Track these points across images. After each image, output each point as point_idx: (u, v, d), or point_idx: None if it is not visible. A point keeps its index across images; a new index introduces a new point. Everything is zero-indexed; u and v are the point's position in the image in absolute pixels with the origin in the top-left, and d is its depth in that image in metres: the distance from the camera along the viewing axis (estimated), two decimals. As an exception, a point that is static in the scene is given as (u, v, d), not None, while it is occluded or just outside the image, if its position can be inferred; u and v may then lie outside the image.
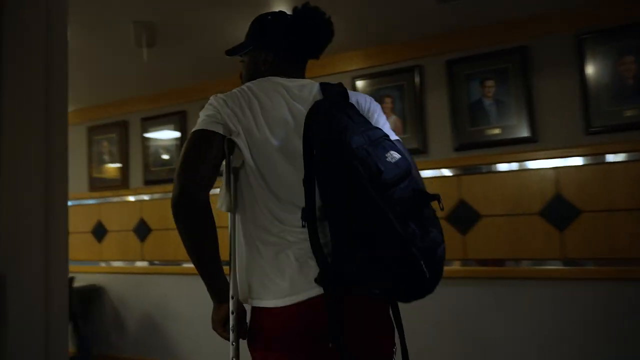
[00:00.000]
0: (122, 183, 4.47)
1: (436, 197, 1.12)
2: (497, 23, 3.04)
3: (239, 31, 2.55)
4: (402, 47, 3.35)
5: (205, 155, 1.16)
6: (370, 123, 1.24)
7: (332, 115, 1.14)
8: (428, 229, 1.08)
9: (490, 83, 3.06)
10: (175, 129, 4.19)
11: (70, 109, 4.75)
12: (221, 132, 1.19)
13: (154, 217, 4.27)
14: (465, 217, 3.08)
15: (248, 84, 1.30)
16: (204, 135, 1.19)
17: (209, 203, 1.17)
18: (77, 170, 4.75)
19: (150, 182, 4.32)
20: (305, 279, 1.14)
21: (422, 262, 0.99)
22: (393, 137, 1.30)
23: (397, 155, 1.13)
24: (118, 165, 4.50)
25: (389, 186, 1.05)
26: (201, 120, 1.21)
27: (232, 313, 1.22)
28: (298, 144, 1.20)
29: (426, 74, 3.30)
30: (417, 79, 3.29)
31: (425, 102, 3.29)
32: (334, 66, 3.54)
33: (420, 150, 3.24)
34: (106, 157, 4.61)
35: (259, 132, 1.21)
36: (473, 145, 3.09)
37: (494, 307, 2.98)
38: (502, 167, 3.02)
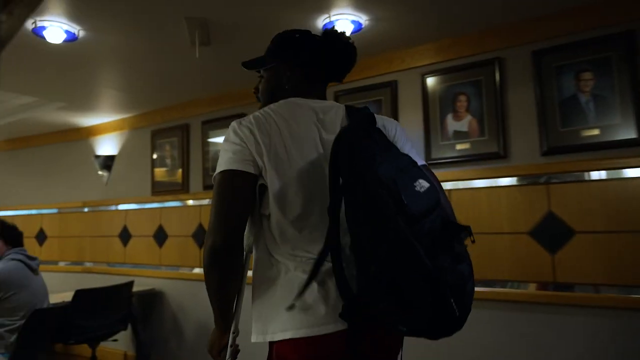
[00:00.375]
0: (182, 187, 4.40)
1: (467, 229, 1.07)
2: (595, 3, 2.58)
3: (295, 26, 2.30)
4: (478, 37, 2.96)
5: (241, 200, 1.16)
6: (397, 149, 1.19)
7: (359, 143, 1.08)
8: (458, 262, 1.03)
9: (587, 76, 2.60)
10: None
11: (136, 112, 4.77)
12: (252, 171, 1.17)
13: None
14: (554, 233, 2.63)
15: (274, 107, 1.26)
16: (236, 176, 1.16)
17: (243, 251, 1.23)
18: (142, 174, 4.75)
19: (209, 187, 4.21)
20: (331, 311, 1.12)
21: (452, 301, 0.95)
22: (420, 162, 1.24)
23: (426, 184, 1.07)
24: (179, 169, 4.44)
25: (418, 218, 0.99)
26: (229, 158, 1.17)
27: (231, 346, 1.31)
28: (325, 173, 1.18)
29: (507, 68, 2.89)
30: (496, 74, 2.88)
31: (506, 99, 2.87)
32: (402, 62, 3.22)
33: (499, 155, 2.83)
34: (168, 161, 4.57)
35: (290, 161, 1.19)
36: (565, 148, 2.64)
37: (581, 340, 2.50)
38: (601, 174, 2.55)
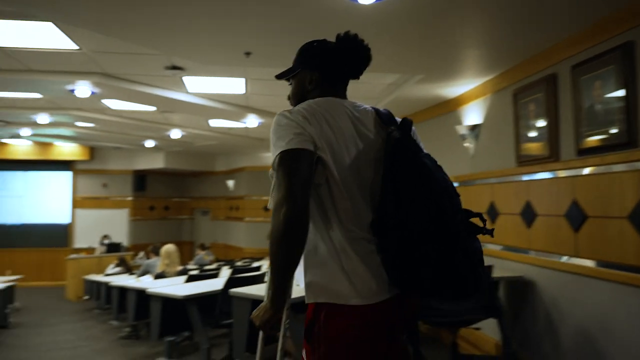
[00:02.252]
0: (550, 155, 3.51)
1: (479, 215, 1.39)
2: None
3: None
4: None
5: (307, 176, 1.29)
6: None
7: (417, 151, 1.38)
8: (474, 240, 1.36)
9: None
10: (617, 74, 2.86)
11: (496, 72, 4.15)
12: (312, 149, 1.31)
13: (590, 199, 3.11)
14: None
15: (311, 102, 1.41)
16: (302, 154, 1.29)
17: None
18: (505, 142, 4.11)
19: (584, 151, 3.17)
20: (382, 281, 1.33)
21: (480, 270, 1.33)
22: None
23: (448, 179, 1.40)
24: (546, 132, 3.56)
25: (459, 210, 1.36)
26: (291, 140, 1.30)
27: (287, 322, 1.38)
28: (365, 165, 1.39)
29: None
30: None
31: None
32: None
33: None
34: (532, 123, 3.75)
35: (338, 148, 1.36)
36: None
37: None
38: None
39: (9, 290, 7.24)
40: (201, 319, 4.01)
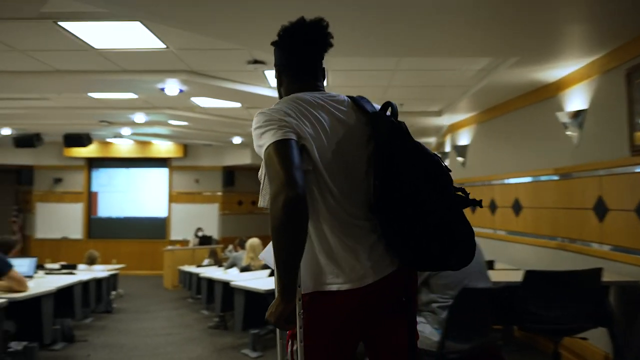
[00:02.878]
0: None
1: (461, 189, 1.41)
2: None
3: None
4: None
5: (300, 162, 1.31)
6: None
7: (408, 136, 1.43)
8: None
9: None
10: None
11: (605, 50, 3.68)
12: (296, 139, 1.35)
13: None
14: None
15: (286, 98, 1.48)
16: (289, 144, 1.32)
17: None
18: (616, 129, 3.63)
19: None
20: (374, 263, 1.39)
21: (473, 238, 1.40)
22: None
23: None
24: (668, 115, 3.08)
25: (451, 186, 1.41)
26: (275, 132, 1.33)
27: (300, 314, 1.36)
28: (349, 150, 1.44)
29: None
30: None
31: None
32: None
33: None
34: (650, 107, 3.26)
35: (319, 136, 1.40)
36: None
37: None
38: None
39: (113, 278, 7.80)
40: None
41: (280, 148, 1.30)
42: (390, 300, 1.44)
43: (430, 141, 9.18)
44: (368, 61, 4.52)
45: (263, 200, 1.40)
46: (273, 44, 1.59)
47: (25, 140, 9.10)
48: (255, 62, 4.48)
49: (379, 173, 1.40)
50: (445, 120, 6.98)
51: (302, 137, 1.36)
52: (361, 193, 1.43)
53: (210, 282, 6.44)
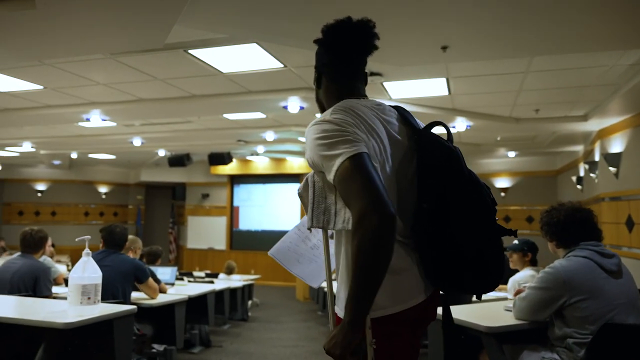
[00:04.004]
0: None
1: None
2: None
3: None
4: None
5: (381, 179, 1.22)
6: None
7: (464, 163, 1.41)
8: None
9: None
10: None
11: None
12: (369, 152, 1.28)
13: None
14: None
15: (344, 106, 1.36)
16: (369, 159, 1.24)
17: None
18: None
19: None
20: (423, 282, 1.36)
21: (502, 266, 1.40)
22: None
23: None
24: None
25: (494, 218, 1.41)
26: (352, 145, 1.24)
27: (372, 343, 1.26)
28: (398, 167, 1.39)
29: None
30: None
31: None
32: None
33: None
34: None
35: (380, 152, 1.33)
36: None
37: None
38: None
39: (249, 288, 8.26)
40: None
41: (362, 163, 1.21)
42: (427, 322, 1.45)
43: (576, 150, 8.19)
44: (495, 64, 4.16)
45: (319, 221, 1.33)
46: (316, 41, 1.51)
47: (177, 160, 10.18)
48: (372, 74, 4.41)
49: (429, 197, 1.35)
50: (593, 125, 6.14)
51: (369, 155, 1.26)
52: (406, 211, 1.37)
53: (335, 296, 6.44)
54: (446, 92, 5.07)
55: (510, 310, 2.75)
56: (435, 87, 4.89)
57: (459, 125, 6.25)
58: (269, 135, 7.90)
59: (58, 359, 2.61)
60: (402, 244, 1.35)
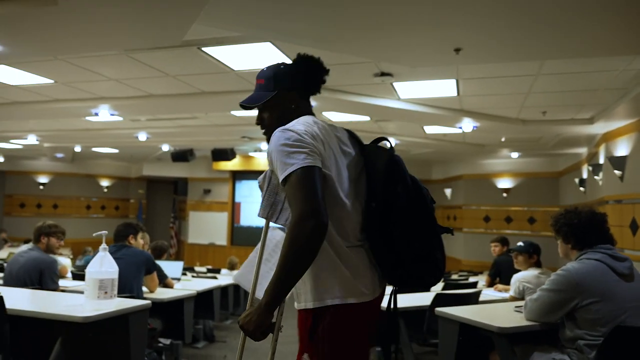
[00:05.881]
0: None
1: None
2: None
3: None
4: None
5: (321, 192, 1.41)
6: None
7: (402, 163, 1.66)
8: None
9: None
10: None
11: None
12: (321, 167, 1.46)
13: None
14: None
15: (305, 121, 1.55)
16: (318, 172, 1.43)
17: None
18: None
19: None
20: (377, 280, 1.56)
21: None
22: None
23: None
24: None
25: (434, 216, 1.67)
26: (306, 157, 1.43)
27: (280, 328, 1.54)
28: (352, 177, 1.59)
29: None
30: None
31: None
32: None
33: None
34: None
35: (335, 165, 1.54)
36: None
37: None
38: None
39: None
40: (407, 334, 3.82)
41: (310, 175, 1.40)
42: (376, 316, 1.59)
43: (579, 152, 8.23)
44: (505, 67, 4.19)
45: (264, 212, 1.55)
46: (297, 63, 1.70)
47: (181, 155, 10.19)
48: (382, 74, 4.43)
49: (377, 197, 1.55)
50: (599, 128, 6.18)
51: (325, 166, 1.47)
52: (359, 213, 1.57)
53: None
54: (455, 93, 5.09)
55: (521, 311, 2.79)
56: (444, 88, 4.92)
57: (466, 126, 6.27)
58: (275, 132, 7.91)
59: (74, 353, 2.64)
60: (359, 247, 1.54)
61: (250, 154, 11.91)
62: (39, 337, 2.81)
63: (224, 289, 6.09)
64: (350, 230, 1.54)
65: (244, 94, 5.19)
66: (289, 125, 1.51)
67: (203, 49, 3.89)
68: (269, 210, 1.57)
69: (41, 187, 12.98)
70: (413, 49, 3.59)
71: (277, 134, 1.48)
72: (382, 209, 1.55)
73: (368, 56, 3.94)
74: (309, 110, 1.69)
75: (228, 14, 3.09)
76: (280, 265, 1.37)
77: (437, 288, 4.80)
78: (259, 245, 1.95)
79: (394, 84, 4.81)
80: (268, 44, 3.75)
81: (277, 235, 2.02)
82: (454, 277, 7.38)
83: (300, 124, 1.52)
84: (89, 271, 2.70)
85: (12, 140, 9.60)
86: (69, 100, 5.85)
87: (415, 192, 1.61)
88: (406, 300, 4.14)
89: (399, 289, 1.66)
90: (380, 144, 1.73)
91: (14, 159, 12.51)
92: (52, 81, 5.06)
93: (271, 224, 1.90)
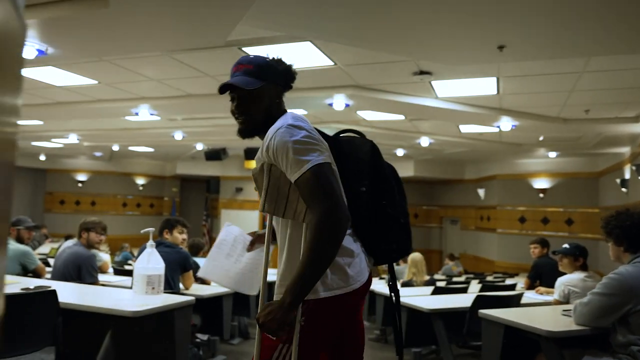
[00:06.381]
0: None
1: None
2: None
3: None
4: None
5: (336, 183, 1.49)
6: None
7: (377, 148, 1.74)
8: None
9: None
10: None
11: None
12: (331, 162, 1.52)
13: None
14: None
15: (301, 116, 1.58)
16: (330, 167, 1.48)
17: None
18: None
19: None
20: (365, 262, 1.62)
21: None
22: None
23: None
24: None
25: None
26: (320, 153, 1.46)
27: (301, 321, 1.48)
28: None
29: None
30: None
31: None
32: None
33: None
34: None
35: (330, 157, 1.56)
36: None
37: None
38: None
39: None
40: (447, 336, 3.78)
41: (327, 171, 1.44)
42: (366, 294, 1.67)
43: (621, 151, 7.97)
44: (549, 64, 4.09)
45: (270, 208, 1.55)
46: (277, 60, 1.68)
47: (214, 154, 10.34)
48: (422, 72, 4.39)
49: (366, 182, 1.65)
50: (644, 127, 5.98)
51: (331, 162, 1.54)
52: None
53: (372, 294, 6.46)
54: (494, 92, 5.00)
55: (569, 315, 2.72)
56: (484, 86, 4.83)
57: (504, 125, 6.15)
58: (309, 132, 7.93)
59: (123, 346, 2.71)
60: (349, 234, 1.57)
61: (282, 153, 11.95)
62: (87, 330, 2.89)
63: (258, 287, 6.13)
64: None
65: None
66: (291, 122, 1.49)
67: (243, 49, 3.94)
68: (273, 206, 1.57)
69: (80, 184, 13.39)
70: (456, 47, 3.54)
71: (283, 130, 1.46)
72: (370, 190, 1.64)
73: (410, 55, 3.91)
74: (285, 109, 1.67)
75: (271, 15, 3.11)
76: (306, 262, 1.37)
77: (475, 289, 4.73)
78: (226, 238, 2.00)
79: (433, 82, 4.76)
80: (308, 44, 3.76)
81: (234, 231, 2.01)
82: (489, 278, 7.25)
83: (299, 121, 1.52)
84: (137, 267, 2.77)
85: (53, 140, 9.92)
86: (111, 101, 6.01)
87: (394, 172, 1.74)
88: (446, 301, 4.10)
89: (378, 263, 1.75)
90: (347, 134, 1.78)
91: (54, 158, 12.93)
92: (95, 82, 5.20)
93: (226, 223, 2.05)
